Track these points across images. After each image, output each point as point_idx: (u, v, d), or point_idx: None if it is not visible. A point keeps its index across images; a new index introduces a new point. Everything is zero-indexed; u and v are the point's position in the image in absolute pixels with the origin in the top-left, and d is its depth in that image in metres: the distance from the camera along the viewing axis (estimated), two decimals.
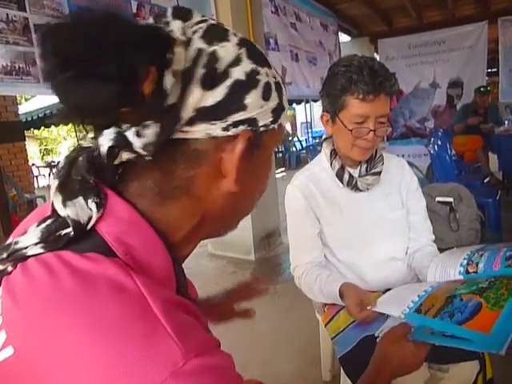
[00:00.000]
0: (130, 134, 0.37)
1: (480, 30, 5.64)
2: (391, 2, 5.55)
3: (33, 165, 10.62)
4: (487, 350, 0.64)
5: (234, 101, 0.39)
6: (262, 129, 0.42)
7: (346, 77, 1.02)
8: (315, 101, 10.46)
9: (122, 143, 0.37)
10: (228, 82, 0.39)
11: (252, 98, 0.40)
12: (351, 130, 1.06)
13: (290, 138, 11.24)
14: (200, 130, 0.39)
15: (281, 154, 10.24)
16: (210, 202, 0.44)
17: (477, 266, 0.88)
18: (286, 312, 2.42)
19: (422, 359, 0.74)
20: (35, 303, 0.34)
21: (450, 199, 1.93)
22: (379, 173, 1.17)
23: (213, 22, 0.41)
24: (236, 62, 0.39)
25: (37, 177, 10.82)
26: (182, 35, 0.37)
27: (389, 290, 1.15)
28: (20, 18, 1.82)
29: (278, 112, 0.43)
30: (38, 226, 0.39)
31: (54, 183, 0.39)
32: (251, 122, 0.41)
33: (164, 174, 0.40)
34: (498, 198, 2.86)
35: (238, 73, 0.39)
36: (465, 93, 5.79)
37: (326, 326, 1.20)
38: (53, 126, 9.21)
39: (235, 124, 0.40)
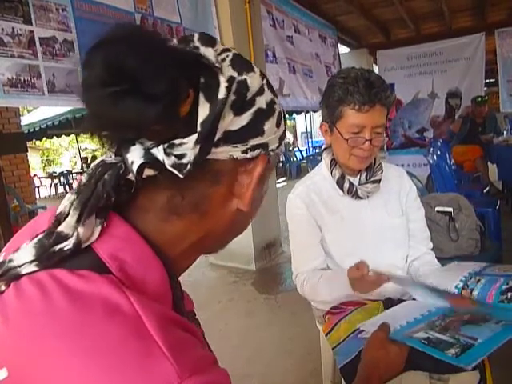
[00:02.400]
0: (158, 152, 0.37)
1: (477, 41, 5.72)
2: (389, 14, 5.64)
3: (34, 175, 10.66)
4: (456, 363, 0.69)
5: (255, 127, 0.42)
6: (271, 153, 0.46)
7: (343, 88, 1.06)
8: (315, 111, 10.56)
9: (151, 160, 0.37)
10: (253, 110, 0.41)
11: (269, 125, 0.43)
12: (347, 140, 1.09)
13: (291, 148, 11.29)
14: (223, 152, 0.41)
15: (281, 164, 10.27)
16: (217, 219, 0.45)
17: (471, 292, 0.91)
18: (287, 322, 2.41)
19: (405, 357, 0.77)
20: (27, 324, 0.34)
21: (450, 209, 1.93)
22: (379, 181, 1.19)
23: (235, 51, 0.44)
24: (261, 91, 0.42)
25: (38, 187, 10.84)
26: (217, 62, 0.39)
27: (389, 299, 1.17)
28: (25, 31, 1.85)
29: (282, 138, 0.47)
30: (31, 241, 0.39)
31: (72, 198, 0.39)
32: (265, 146, 0.44)
33: (180, 191, 0.41)
34: (497, 207, 2.87)
35: (261, 102, 0.42)
36: (463, 103, 5.84)
37: (326, 336, 1.20)
38: (55, 137, 9.25)
39: (253, 148, 0.42)
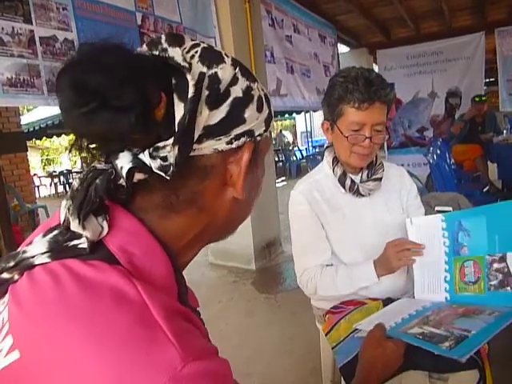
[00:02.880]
0: (144, 157, 0.39)
1: (477, 40, 5.71)
2: (389, 14, 5.63)
3: (34, 175, 10.65)
4: (450, 356, 0.70)
5: (235, 116, 0.43)
6: (258, 138, 0.46)
7: (343, 87, 1.08)
8: (315, 111, 10.57)
9: (139, 165, 0.39)
10: (229, 100, 0.42)
11: (250, 112, 0.44)
12: (347, 137, 1.10)
13: (291, 148, 11.28)
14: (207, 147, 0.42)
15: (281, 164, 10.27)
16: (216, 210, 0.47)
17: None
18: (287, 321, 2.42)
19: (401, 354, 0.78)
20: (40, 310, 0.36)
21: (449, 208, 1.93)
22: (380, 179, 1.21)
23: (204, 45, 0.44)
24: (234, 81, 0.43)
25: (38, 187, 10.84)
26: (183, 61, 0.39)
27: (388, 298, 1.17)
28: (26, 30, 1.84)
29: (269, 121, 0.48)
30: (44, 236, 0.41)
31: (68, 203, 0.40)
32: (250, 133, 0.44)
33: (173, 189, 0.43)
34: None
35: (236, 91, 0.43)
36: (463, 102, 5.83)
37: (326, 335, 1.20)
38: (54, 137, 9.25)
39: (237, 137, 0.43)
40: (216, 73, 0.41)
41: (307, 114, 11.91)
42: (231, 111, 0.42)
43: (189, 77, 0.38)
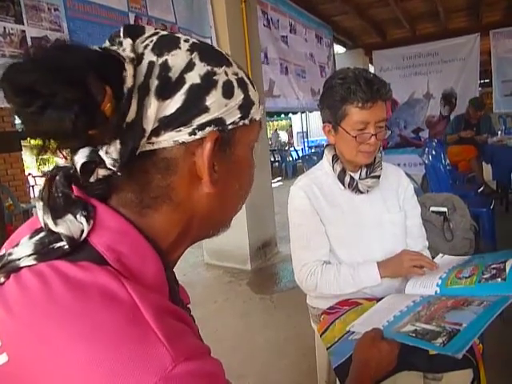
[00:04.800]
0: (102, 152, 0.38)
1: (472, 42, 5.75)
2: (385, 15, 5.65)
3: (29, 174, 10.58)
4: (445, 352, 0.69)
5: (194, 105, 0.40)
6: (230, 127, 0.43)
7: (344, 88, 1.09)
8: (311, 111, 10.57)
9: (94, 159, 0.38)
10: (184, 88, 0.39)
11: (213, 99, 0.40)
12: (355, 137, 1.12)
13: (287, 148, 11.28)
14: (167, 139, 0.40)
15: (277, 164, 10.27)
16: (193, 205, 0.45)
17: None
18: (282, 322, 2.41)
19: (395, 355, 0.78)
20: (28, 312, 0.35)
21: (444, 209, 1.94)
22: (378, 176, 1.23)
23: (164, 32, 0.42)
24: (189, 67, 0.40)
25: (33, 186, 10.75)
26: (131, 52, 0.38)
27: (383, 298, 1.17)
28: (17, 31, 1.83)
29: (246, 107, 0.44)
30: (30, 238, 0.40)
31: (39, 203, 0.40)
32: (217, 122, 0.41)
33: (141, 185, 0.41)
34: (491, 207, 2.88)
35: (192, 77, 0.40)
36: (458, 104, 5.87)
37: (321, 335, 1.19)
38: None
39: (200, 127, 0.40)
40: (166, 60, 0.39)
41: (303, 115, 11.89)
42: (188, 99, 0.39)
43: (128, 67, 0.37)
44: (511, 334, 1.73)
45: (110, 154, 0.38)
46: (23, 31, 1.86)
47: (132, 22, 2.43)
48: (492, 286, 0.87)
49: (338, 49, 6.79)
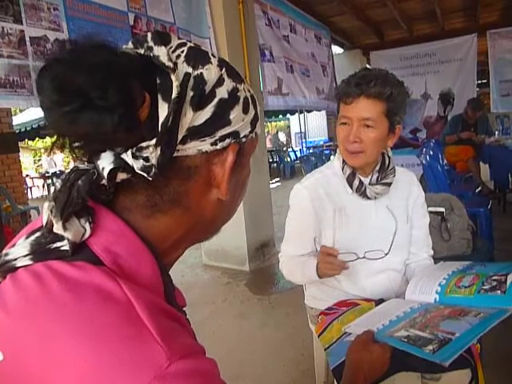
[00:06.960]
0: (127, 157, 0.38)
1: (469, 42, 5.78)
2: (382, 15, 5.66)
3: (27, 176, 10.56)
4: (433, 360, 0.70)
5: (220, 118, 0.42)
6: (243, 139, 0.46)
7: (342, 85, 1.13)
8: (309, 111, 10.57)
9: (121, 165, 0.39)
10: (214, 102, 0.41)
11: (235, 113, 0.43)
12: (339, 132, 1.15)
13: (285, 149, 11.28)
14: (191, 148, 0.41)
15: (275, 165, 10.27)
16: (200, 211, 0.46)
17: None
18: (280, 323, 2.41)
19: (388, 357, 0.79)
20: (24, 311, 0.36)
21: (442, 209, 1.94)
22: (389, 184, 1.18)
23: (191, 44, 0.44)
24: (219, 82, 0.42)
25: (31, 188, 10.74)
26: (168, 61, 0.39)
27: (382, 299, 1.17)
28: (16, 30, 1.82)
29: (254, 122, 0.47)
30: (26, 238, 0.40)
31: (51, 205, 0.40)
32: (235, 134, 0.44)
33: (156, 189, 0.42)
34: (489, 207, 2.89)
35: (222, 92, 0.42)
36: (455, 104, 5.88)
37: (319, 336, 1.19)
38: (47, 137, 9.18)
39: (222, 138, 0.43)
40: (201, 73, 0.41)
41: (301, 115, 11.88)
42: (216, 112, 0.41)
43: (173, 77, 0.38)
44: (509, 332, 1.74)
45: (141, 158, 0.38)
46: (22, 31, 1.85)
47: (132, 23, 2.43)
48: (491, 298, 0.87)
49: (336, 49, 6.80)
